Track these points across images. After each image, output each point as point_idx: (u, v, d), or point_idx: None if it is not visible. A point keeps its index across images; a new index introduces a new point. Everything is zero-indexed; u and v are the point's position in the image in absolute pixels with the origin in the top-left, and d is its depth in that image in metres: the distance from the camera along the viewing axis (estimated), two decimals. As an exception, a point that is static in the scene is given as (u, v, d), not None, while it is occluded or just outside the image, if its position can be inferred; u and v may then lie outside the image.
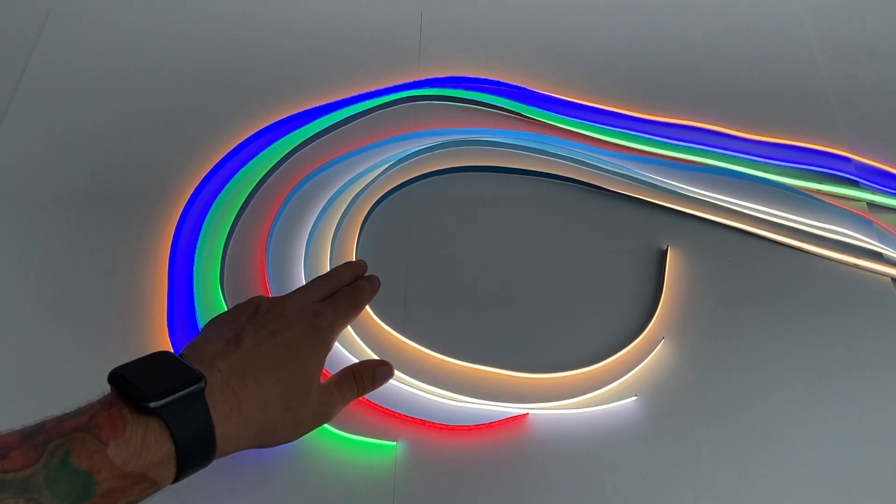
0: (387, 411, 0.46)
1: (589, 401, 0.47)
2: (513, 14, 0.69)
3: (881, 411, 0.47)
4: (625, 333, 0.50)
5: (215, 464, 0.45)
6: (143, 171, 0.57)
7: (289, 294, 0.42)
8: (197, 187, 0.55)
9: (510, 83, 0.63)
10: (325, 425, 0.45)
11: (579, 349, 0.50)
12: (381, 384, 0.43)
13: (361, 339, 0.49)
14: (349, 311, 0.43)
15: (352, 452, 0.45)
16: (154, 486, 0.30)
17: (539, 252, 0.54)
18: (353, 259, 0.53)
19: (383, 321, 0.50)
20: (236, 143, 0.58)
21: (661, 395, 0.48)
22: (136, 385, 0.30)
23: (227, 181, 0.56)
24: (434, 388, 0.48)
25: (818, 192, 0.57)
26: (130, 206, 0.55)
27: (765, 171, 0.58)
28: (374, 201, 0.56)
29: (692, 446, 0.46)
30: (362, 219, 0.55)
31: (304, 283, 0.51)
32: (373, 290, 0.47)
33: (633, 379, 0.48)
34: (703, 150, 0.59)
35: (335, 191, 0.56)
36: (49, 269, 0.52)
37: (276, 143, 0.58)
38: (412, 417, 0.46)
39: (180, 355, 0.34)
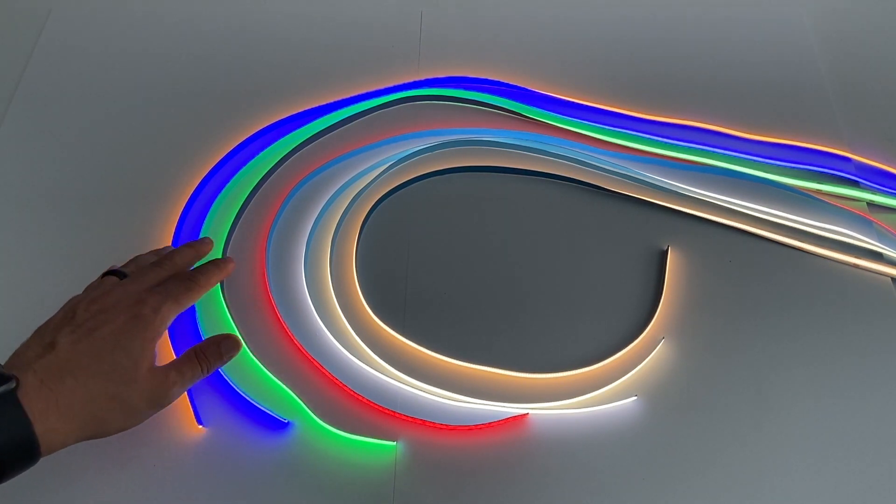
0: (387, 411, 0.46)
1: (589, 401, 0.47)
2: (513, 14, 0.69)
3: (881, 411, 0.47)
4: (625, 333, 0.51)
5: (215, 464, 0.45)
6: (143, 171, 0.57)
7: (113, 288, 0.42)
8: (197, 187, 0.55)
9: (510, 83, 0.63)
10: (325, 425, 0.46)
11: (579, 349, 0.50)
12: (229, 358, 0.44)
13: (361, 339, 0.49)
14: (181, 296, 0.43)
15: (352, 452, 0.45)
16: None
17: (539, 252, 0.54)
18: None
19: (383, 321, 0.50)
20: (236, 143, 0.58)
21: (661, 395, 0.48)
22: None
23: (227, 181, 0.56)
24: (434, 388, 0.48)
25: (818, 192, 0.57)
26: (130, 205, 0.55)
27: (765, 171, 0.58)
28: (374, 201, 0.56)
29: (692, 446, 0.46)
30: (362, 219, 0.55)
31: (304, 282, 0.52)
32: (219, 272, 0.47)
33: (633, 379, 0.48)
34: (703, 150, 0.59)
35: (335, 191, 0.56)
36: (49, 269, 0.52)
37: (276, 143, 0.58)
38: (412, 417, 0.46)
39: None
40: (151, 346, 0.40)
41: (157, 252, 0.48)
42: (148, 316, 0.40)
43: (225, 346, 0.44)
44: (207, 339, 0.44)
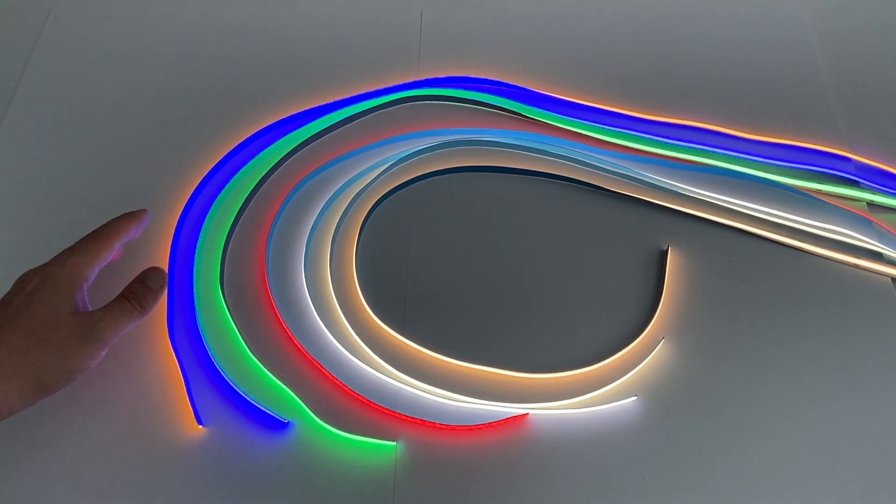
0: (387, 411, 0.46)
1: (589, 401, 0.47)
2: (513, 14, 0.69)
3: (881, 411, 0.47)
4: (625, 333, 0.51)
5: (215, 464, 0.45)
6: (143, 170, 0.57)
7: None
8: (197, 187, 0.55)
9: (510, 83, 0.63)
10: (325, 425, 0.46)
11: (579, 349, 0.50)
12: (159, 289, 0.46)
13: (361, 339, 0.49)
14: (87, 245, 0.45)
15: (352, 452, 0.45)
16: None
17: (539, 252, 0.54)
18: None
19: (383, 321, 0.50)
20: (236, 143, 0.58)
21: (661, 395, 0.48)
22: None
23: (227, 181, 0.56)
24: (434, 388, 0.48)
25: (818, 192, 0.57)
26: (130, 205, 0.55)
27: (765, 171, 0.58)
28: (374, 201, 0.56)
29: (692, 446, 0.46)
30: (362, 219, 0.55)
31: (304, 282, 0.52)
32: (128, 222, 0.48)
33: (633, 379, 0.48)
34: (703, 150, 0.59)
35: (335, 191, 0.56)
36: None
37: (276, 143, 0.58)
38: (412, 417, 0.46)
39: None
40: (68, 295, 0.42)
41: None
42: (55, 271, 0.42)
43: (150, 278, 0.46)
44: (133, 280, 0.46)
